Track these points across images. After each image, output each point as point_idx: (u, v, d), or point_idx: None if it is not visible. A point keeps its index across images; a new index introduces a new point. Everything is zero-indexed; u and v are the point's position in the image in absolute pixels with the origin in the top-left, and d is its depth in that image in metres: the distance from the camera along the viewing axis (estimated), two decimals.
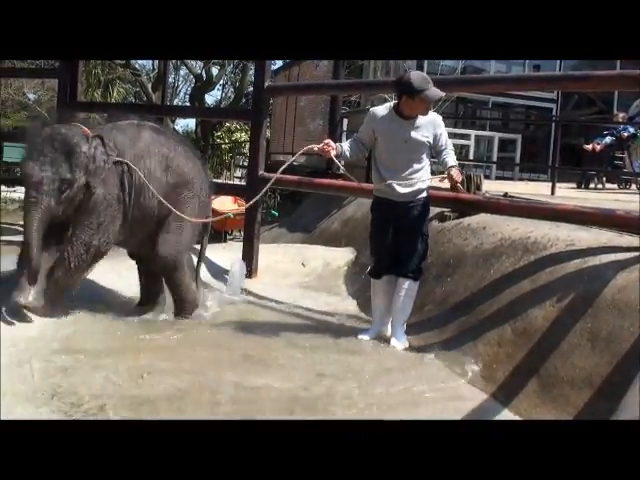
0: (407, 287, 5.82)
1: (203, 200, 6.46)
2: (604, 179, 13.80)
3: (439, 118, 5.92)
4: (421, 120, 5.74)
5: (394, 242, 5.83)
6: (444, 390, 4.88)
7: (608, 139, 13.58)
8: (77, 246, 5.70)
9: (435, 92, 5.59)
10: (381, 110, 5.89)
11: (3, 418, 3.31)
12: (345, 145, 5.91)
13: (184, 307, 6.26)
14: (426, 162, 5.81)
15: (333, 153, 5.75)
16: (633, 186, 13.53)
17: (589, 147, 13.62)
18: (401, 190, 5.73)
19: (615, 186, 13.75)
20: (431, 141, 5.72)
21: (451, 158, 5.73)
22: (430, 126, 5.76)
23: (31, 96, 31.36)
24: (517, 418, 4.40)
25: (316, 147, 5.93)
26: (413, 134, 5.69)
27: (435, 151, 5.83)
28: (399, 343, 5.77)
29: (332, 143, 5.82)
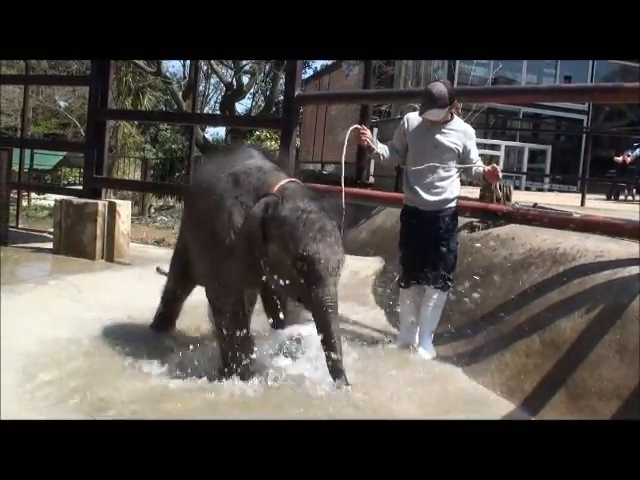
0: (436, 297, 5.82)
1: None
2: (634, 191, 13.73)
3: (472, 131, 5.92)
4: (452, 127, 5.76)
5: (423, 252, 5.83)
6: (471, 402, 4.88)
7: (639, 151, 13.53)
8: None
9: (432, 114, 5.67)
10: (414, 116, 5.93)
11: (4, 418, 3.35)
12: (380, 143, 5.99)
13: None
14: (454, 172, 5.82)
15: (368, 136, 5.92)
16: None
17: (619, 159, 13.57)
18: (428, 198, 5.74)
19: None
20: (460, 149, 5.72)
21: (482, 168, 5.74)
22: (462, 135, 5.78)
23: (62, 103, 31.66)
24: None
25: (354, 127, 5.95)
26: (442, 139, 5.71)
27: (462, 160, 5.82)
28: (426, 352, 5.78)
29: (366, 129, 6.01)
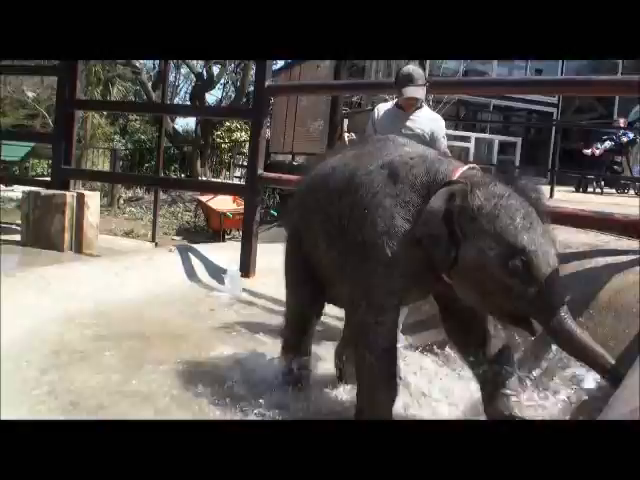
0: None
1: None
2: (602, 183, 13.83)
3: (441, 120, 5.96)
4: (422, 114, 5.80)
5: None
6: (444, 389, 4.91)
7: (607, 144, 13.65)
8: None
9: (411, 91, 5.63)
10: (384, 105, 5.98)
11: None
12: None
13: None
14: None
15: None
16: (631, 191, 13.59)
17: (588, 151, 13.68)
18: None
19: (613, 190, 13.79)
20: (428, 137, 5.74)
21: None
22: (431, 122, 5.80)
23: (30, 94, 31.33)
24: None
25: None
26: (411, 125, 5.72)
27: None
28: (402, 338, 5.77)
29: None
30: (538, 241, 3.53)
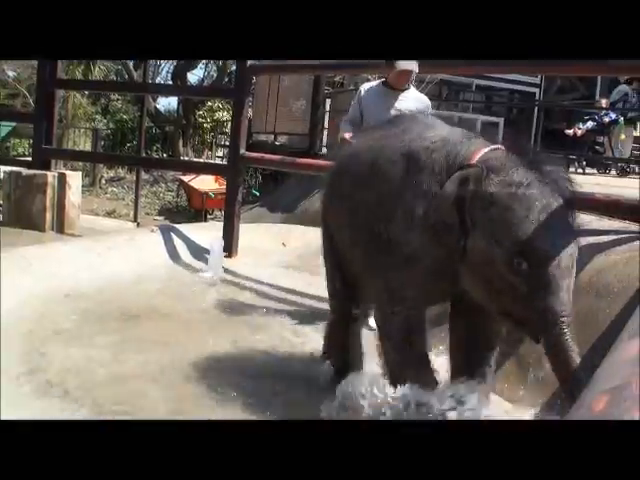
0: None
1: None
2: (584, 163, 13.84)
3: (426, 99, 5.97)
4: (409, 94, 5.79)
5: None
6: None
7: (589, 124, 13.66)
8: None
9: (403, 63, 5.58)
10: (369, 85, 5.96)
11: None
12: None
13: None
14: None
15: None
16: (613, 171, 13.61)
17: (570, 132, 13.70)
18: None
19: (595, 170, 13.81)
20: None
21: None
22: (417, 102, 5.80)
23: (10, 73, 31.11)
24: (494, 396, 4.46)
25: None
26: (399, 105, 5.70)
27: None
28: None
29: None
30: (551, 240, 3.23)
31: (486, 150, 3.54)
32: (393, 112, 5.57)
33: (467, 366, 3.87)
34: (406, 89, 5.82)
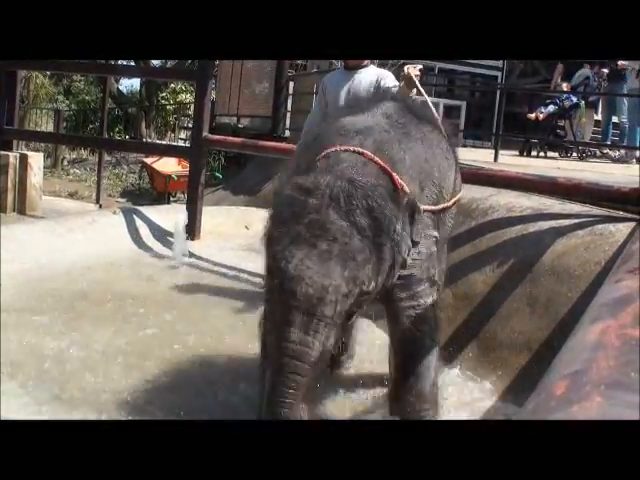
0: None
1: None
2: (546, 147, 13.89)
3: (387, 72, 5.90)
4: (366, 72, 5.72)
5: None
6: (384, 353, 4.92)
7: (551, 108, 13.72)
8: None
9: None
10: (330, 75, 5.92)
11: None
12: None
13: None
14: None
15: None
16: (574, 154, 13.69)
17: (532, 115, 13.76)
18: None
19: (556, 154, 13.86)
20: (372, 90, 5.64)
21: None
22: (375, 77, 5.74)
23: None
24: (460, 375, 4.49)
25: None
26: (354, 85, 5.63)
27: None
28: None
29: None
30: (296, 265, 2.82)
31: (334, 149, 3.26)
32: (344, 95, 5.53)
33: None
34: (364, 67, 5.74)
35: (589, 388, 1.33)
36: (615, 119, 13.43)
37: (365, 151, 3.18)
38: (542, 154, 13.58)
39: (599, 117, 14.71)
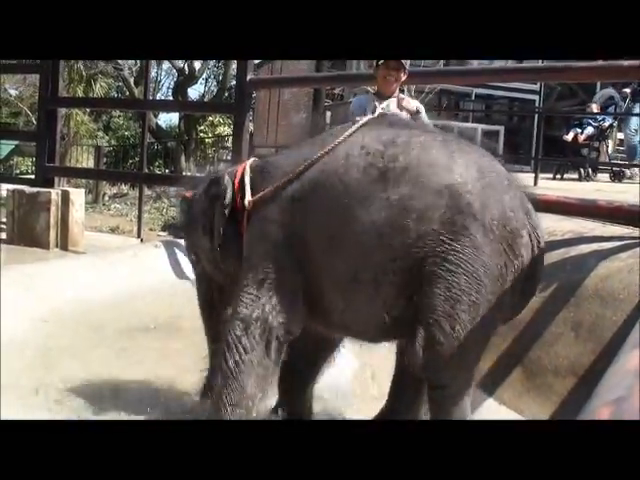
0: None
1: None
2: (590, 170, 13.58)
3: (420, 106, 5.94)
4: (403, 101, 5.79)
5: None
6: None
7: (590, 129, 13.58)
8: None
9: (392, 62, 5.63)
10: (360, 99, 5.94)
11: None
12: None
13: None
14: None
15: None
16: (606, 176, 13.46)
17: (569, 137, 13.61)
18: None
19: (592, 176, 13.60)
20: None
21: None
22: (412, 109, 5.79)
23: (12, 92, 31.21)
24: (502, 407, 4.45)
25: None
26: (385, 107, 5.68)
27: None
28: None
29: None
30: None
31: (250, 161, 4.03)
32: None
33: None
34: (395, 97, 5.79)
35: (630, 416, 1.32)
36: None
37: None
38: (585, 176, 13.28)
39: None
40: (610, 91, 13.86)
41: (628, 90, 13.31)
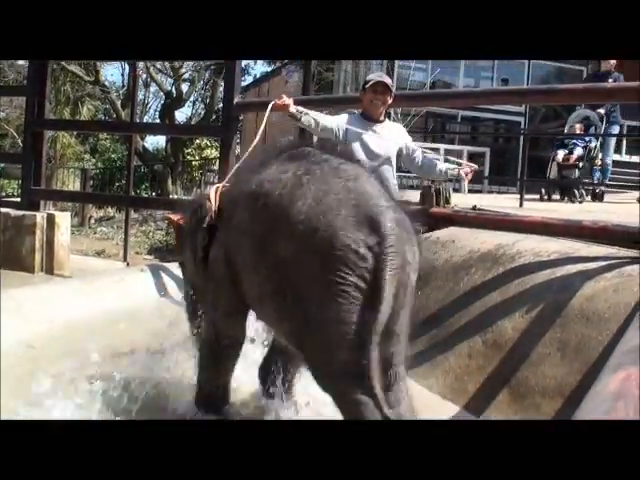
0: None
1: None
2: (583, 191, 13.32)
3: (404, 132, 6.08)
4: (392, 128, 5.88)
5: None
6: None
7: (580, 150, 13.46)
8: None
9: (378, 75, 5.90)
10: (350, 117, 5.99)
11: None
12: (311, 112, 5.97)
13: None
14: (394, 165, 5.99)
15: (292, 108, 5.88)
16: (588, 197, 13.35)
17: (559, 158, 13.47)
18: None
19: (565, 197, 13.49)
20: (404, 151, 5.83)
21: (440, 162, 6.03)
22: (397, 133, 5.91)
23: None
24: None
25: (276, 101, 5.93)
26: (386, 139, 5.80)
27: (412, 157, 5.91)
28: None
29: (285, 98, 5.93)
30: None
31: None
32: (373, 145, 5.78)
33: None
34: (382, 121, 5.89)
35: None
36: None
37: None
38: (579, 197, 13.00)
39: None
40: (586, 111, 13.79)
41: (602, 111, 13.28)
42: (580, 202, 12.32)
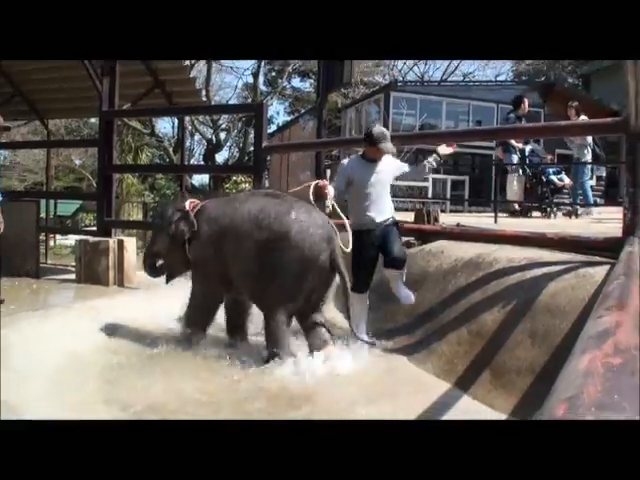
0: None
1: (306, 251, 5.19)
2: (555, 209, 12.93)
3: (398, 162, 6.18)
4: (384, 162, 5.91)
5: (375, 260, 5.94)
6: (414, 383, 4.92)
7: (565, 178, 12.95)
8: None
9: (388, 147, 5.83)
10: (351, 160, 6.01)
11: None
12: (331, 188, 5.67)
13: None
14: (389, 194, 6.08)
15: (331, 197, 5.57)
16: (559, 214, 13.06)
17: (559, 182, 12.87)
18: (378, 219, 5.82)
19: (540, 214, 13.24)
20: (396, 175, 6.07)
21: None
22: (395, 167, 5.98)
23: (77, 162, 31.46)
24: (475, 402, 4.45)
25: (318, 182, 5.65)
26: (382, 174, 5.87)
27: (403, 171, 6.13)
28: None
29: (325, 183, 5.62)
30: None
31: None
32: (377, 178, 5.92)
33: None
34: (380, 160, 5.94)
35: (583, 410, 1.32)
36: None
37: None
38: (553, 215, 12.68)
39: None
40: (532, 145, 13.43)
41: (524, 145, 12.84)
42: (550, 218, 12.10)
